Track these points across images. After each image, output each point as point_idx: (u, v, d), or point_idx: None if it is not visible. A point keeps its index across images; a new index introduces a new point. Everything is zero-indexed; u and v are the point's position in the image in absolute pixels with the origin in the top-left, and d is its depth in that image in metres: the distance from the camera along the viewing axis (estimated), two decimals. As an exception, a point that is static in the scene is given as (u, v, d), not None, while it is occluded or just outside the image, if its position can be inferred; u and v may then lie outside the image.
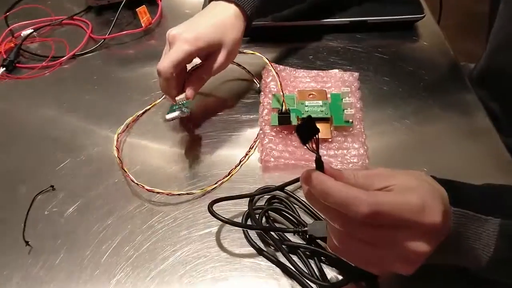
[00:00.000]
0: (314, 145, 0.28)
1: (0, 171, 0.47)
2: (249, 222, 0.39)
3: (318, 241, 0.37)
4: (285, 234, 0.38)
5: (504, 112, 0.55)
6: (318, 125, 0.28)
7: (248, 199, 0.40)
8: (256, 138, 0.47)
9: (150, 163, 0.46)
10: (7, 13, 0.66)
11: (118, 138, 0.48)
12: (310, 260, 0.37)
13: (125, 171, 0.45)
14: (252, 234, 0.39)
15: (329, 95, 0.49)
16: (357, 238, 0.29)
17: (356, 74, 0.52)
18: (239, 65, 0.55)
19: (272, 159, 0.45)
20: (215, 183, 0.43)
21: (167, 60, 0.43)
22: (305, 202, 0.40)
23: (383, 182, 0.29)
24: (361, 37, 0.59)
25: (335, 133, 0.46)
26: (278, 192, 0.41)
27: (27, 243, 0.40)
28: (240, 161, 0.45)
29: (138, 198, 0.43)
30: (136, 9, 0.62)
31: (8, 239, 0.41)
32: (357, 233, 0.29)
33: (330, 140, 0.46)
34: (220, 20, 0.45)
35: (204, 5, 0.53)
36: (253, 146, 0.47)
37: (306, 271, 0.36)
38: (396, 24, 0.58)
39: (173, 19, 0.64)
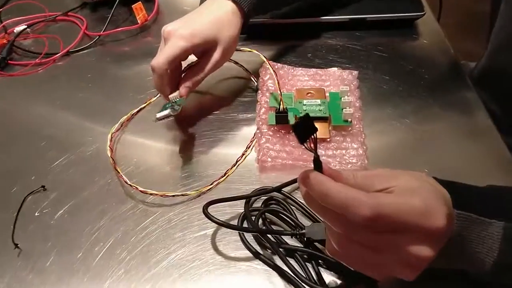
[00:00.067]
0: (312, 145, 0.27)
1: (-10, 171, 0.46)
2: (245, 224, 0.39)
3: (316, 244, 0.37)
4: (282, 236, 0.38)
5: (505, 112, 0.54)
6: (316, 125, 0.27)
7: (244, 200, 0.40)
8: (253, 137, 0.47)
9: (144, 163, 0.46)
10: (0, 9, 0.65)
11: (111, 137, 0.47)
12: (307, 264, 0.36)
13: (118, 172, 0.44)
14: (248, 236, 0.38)
15: (327, 94, 0.49)
16: (356, 241, 0.28)
17: (355, 72, 0.52)
18: (236, 63, 0.54)
19: (269, 159, 0.44)
20: (211, 184, 0.43)
21: (162, 56, 0.42)
22: (303, 204, 0.40)
23: (384, 183, 0.29)
24: (360, 35, 0.58)
25: (334, 133, 0.46)
26: (275, 194, 0.40)
27: (16, 245, 0.39)
28: (237, 161, 0.45)
29: (131, 199, 0.43)
30: (132, 6, 0.61)
31: (-4, 241, 0.40)
32: (357, 237, 0.28)
33: (328, 140, 0.45)
34: (216, 17, 0.45)
35: (201, 2, 0.52)
36: (250, 146, 0.46)
37: (304, 275, 0.35)
38: (396, 21, 0.58)
39: (169, 16, 0.63)
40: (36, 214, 0.42)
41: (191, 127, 0.49)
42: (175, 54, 0.42)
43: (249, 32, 0.56)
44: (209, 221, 0.37)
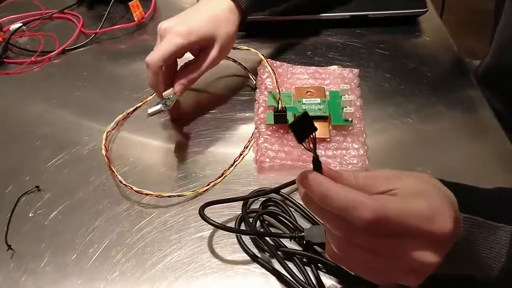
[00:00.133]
0: (311, 145, 0.26)
1: (-16, 170, 0.46)
2: (242, 227, 0.38)
3: (316, 247, 0.36)
4: (281, 239, 0.37)
5: (510, 111, 0.54)
6: (316, 124, 0.26)
7: (242, 202, 0.39)
8: (251, 137, 0.46)
9: (140, 163, 0.45)
10: (-4, 7, 0.65)
11: (107, 136, 0.47)
12: (306, 268, 0.35)
13: (114, 172, 0.43)
14: (246, 239, 0.38)
15: (327, 93, 0.48)
16: (358, 245, 0.27)
17: (356, 70, 0.51)
18: (234, 61, 0.54)
19: (267, 160, 0.44)
20: (207, 185, 0.42)
21: (157, 53, 0.42)
22: (302, 206, 0.39)
23: (386, 185, 0.28)
24: (361, 32, 0.58)
25: (334, 133, 0.45)
26: (273, 195, 0.40)
27: (9, 247, 0.39)
28: (234, 162, 0.44)
29: (127, 200, 0.42)
30: (129, 3, 0.60)
31: (-11, 242, 0.39)
32: (358, 240, 0.27)
33: (328, 139, 0.44)
34: (213, 14, 0.44)
35: (198, -1, 0.51)
36: (247, 146, 0.45)
37: (303, 279, 0.34)
38: (398, 18, 0.57)
39: (166, 14, 0.63)
40: (30, 214, 0.41)
41: (187, 126, 0.48)
42: (170, 51, 0.42)
43: (248, 30, 0.56)
44: (206, 222, 0.36)
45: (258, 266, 0.37)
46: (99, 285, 0.36)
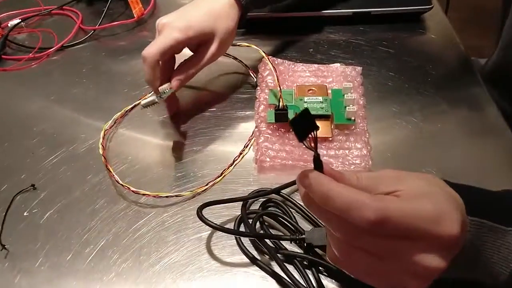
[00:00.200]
0: (312, 143, 0.25)
1: (-21, 169, 0.45)
2: (242, 228, 0.37)
3: (317, 250, 0.35)
4: (281, 241, 0.36)
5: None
6: (318, 123, 0.25)
7: (241, 202, 0.38)
8: (251, 136, 0.46)
9: (137, 161, 0.44)
10: (-5, 3, 0.65)
11: (104, 134, 0.46)
12: (307, 271, 0.35)
13: (110, 171, 0.43)
14: (245, 241, 0.37)
15: (330, 91, 0.48)
16: (360, 248, 0.26)
17: (359, 68, 0.50)
18: (235, 58, 0.53)
19: (267, 159, 0.43)
20: (206, 185, 0.42)
21: (154, 46, 0.41)
22: (303, 207, 0.38)
23: (390, 186, 0.27)
24: (364, 29, 0.57)
25: (336, 132, 0.44)
26: (273, 196, 0.39)
27: (3, 246, 0.38)
28: (234, 161, 0.43)
29: (123, 199, 0.41)
30: (128, -1, 0.60)
31: (-17, 242, 0.39)
32: (360, 243, 0.26)
33: (330, 139, 0.44)
34: (213, 9, 0.44)
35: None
36: (247, 145, 0.45)
37: (303, 283, 0.34)
38: (402, 15, 0.57)
39: (166, 10, 0.62)
40: (25, 214, 0.41)
41: (187, 124, 0.48)
42: (168, 45, 0.41)
43: (248, 27, 0.55)
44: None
45: (258, 268, 0.36)
46: (95, 286, 0.36)
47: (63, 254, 0.37)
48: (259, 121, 0.46)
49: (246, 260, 0.36)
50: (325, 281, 0.34)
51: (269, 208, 0.39)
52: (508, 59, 0.55)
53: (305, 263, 0.35)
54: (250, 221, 0.37)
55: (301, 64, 0.51)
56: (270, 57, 0.49)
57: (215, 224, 0.35)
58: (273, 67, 0.46)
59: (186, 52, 0.45)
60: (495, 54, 0.58)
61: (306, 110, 0.25)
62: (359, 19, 0.57)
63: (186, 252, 0.37)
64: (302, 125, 0.25)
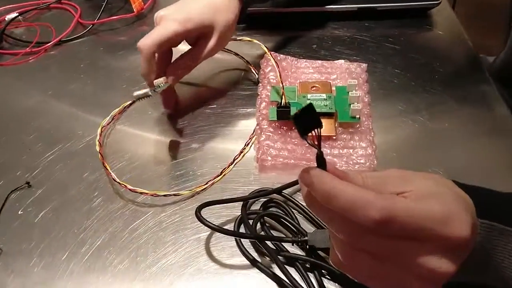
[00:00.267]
0: (315, 140, 0.24)
1: (-27, 165, 0.45)
2: (242, 229, 0.37)
3: (320, 252, 0.34)
4: (282, 243, 0.35)
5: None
6: (321, 121, 0.24)
7: (242, 202, 0.37)
8: (252, 134, 0.45)
9: (136, 159, 0.44)
10: (-9, -4, 0.64)
11: (102, 131, 0.45)
12: (309, 274, 0.34)
13: (107, 169, 0.42)
14: (246, 242, 0.36)
15: (334, 88, 0.47)
16: (363, 250, 0.25)
17: (364, 65, 0.50)
18: (236, 54, 0.52)
19: (269, 158, 0.42)
20: (206, 184, 0.41)
21: (150, 37, 0.40)
22: (305, 208, 0.37)
23: (397, 187, 0.26)
24: (369, 25, 0.56)
25: (340, 130, 0.43)
26: (275, 196, 0.38)
27: (-4, 246, 0.38)
28: (234, 159, 0.43)
29: (121, 198, 0.41)
30: (128, -7, 0.60)
31: (-24, 241, 0.38)
32: (365, 245, 0.25)
33: (334, 137, 0.43)
34: (212, 2, 0.43)
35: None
36: (248, 143, 0.44)
37: (305, 286, 0.33)
38: (409, 11, 0.56)
39: (166, 4, 0.60)
40: (19, 212, 0.40)
41: (186, 121, 0.47)
42: (165, 36, 0.40)
43: (250, 22, 0.55)
44: (203, 224, 0.35)
45: (258, 271, 0.35)
46: (90, 287, 0.35)
47: (58, 254, 0.37)
48: (260, 118, 0.45)
49: (246, 262, 0.36)
50: (328, 284, 0.34)
51: (270, 209, 0.38)
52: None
53: (307, 266, 0.34)
54: (251, 221, 0.36)
55: (304, 60, 0.51)
56: (272, 52, 0.48)
57: (214, 225, 0.34)
58: (276, 62, 0.45)
59: (182, 48, 0.44)
60: (503, 52, 0.57)
61: (311, 105, 0.24)
62: (364, 15, 0.56)
63: (184, 253, 0.36)
64: (305, 120, 0.24)
